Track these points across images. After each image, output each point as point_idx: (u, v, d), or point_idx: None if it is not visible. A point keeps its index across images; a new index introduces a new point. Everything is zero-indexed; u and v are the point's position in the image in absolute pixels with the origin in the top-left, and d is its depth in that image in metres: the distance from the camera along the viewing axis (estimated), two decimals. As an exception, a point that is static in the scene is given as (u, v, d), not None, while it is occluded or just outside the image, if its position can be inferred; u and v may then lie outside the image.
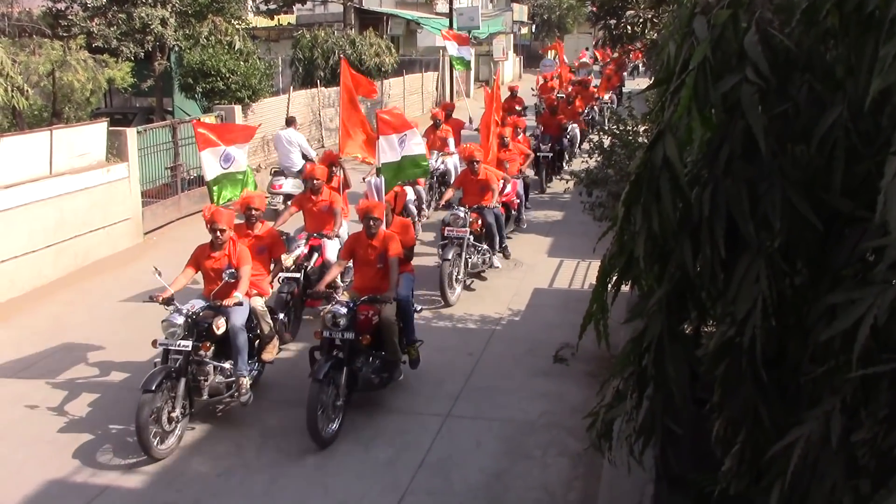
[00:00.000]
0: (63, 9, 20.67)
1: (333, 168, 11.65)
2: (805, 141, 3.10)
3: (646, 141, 3.42)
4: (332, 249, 10.19)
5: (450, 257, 11.12)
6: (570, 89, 24.11)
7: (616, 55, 27.37)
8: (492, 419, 8.13)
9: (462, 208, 11.87)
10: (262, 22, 29.54)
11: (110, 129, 13.99)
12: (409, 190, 13.50)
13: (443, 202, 12.81)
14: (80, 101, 17.36)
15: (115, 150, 13.94)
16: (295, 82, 23.43)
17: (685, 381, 3.43)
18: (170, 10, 20.28)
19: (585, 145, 16.86)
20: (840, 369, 2.92)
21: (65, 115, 16.92)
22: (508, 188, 13.52)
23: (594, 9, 18.17)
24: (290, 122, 16.54)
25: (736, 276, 3.11)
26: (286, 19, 31.24)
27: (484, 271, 12.27)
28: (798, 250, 3.18)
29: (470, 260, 11.79)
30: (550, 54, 35.16)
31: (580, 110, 22.31)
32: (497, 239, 12.39)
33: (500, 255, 12.74)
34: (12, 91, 13.45)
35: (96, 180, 13.27)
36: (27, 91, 14.28)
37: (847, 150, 2.98)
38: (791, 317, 3.27)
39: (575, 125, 20.99)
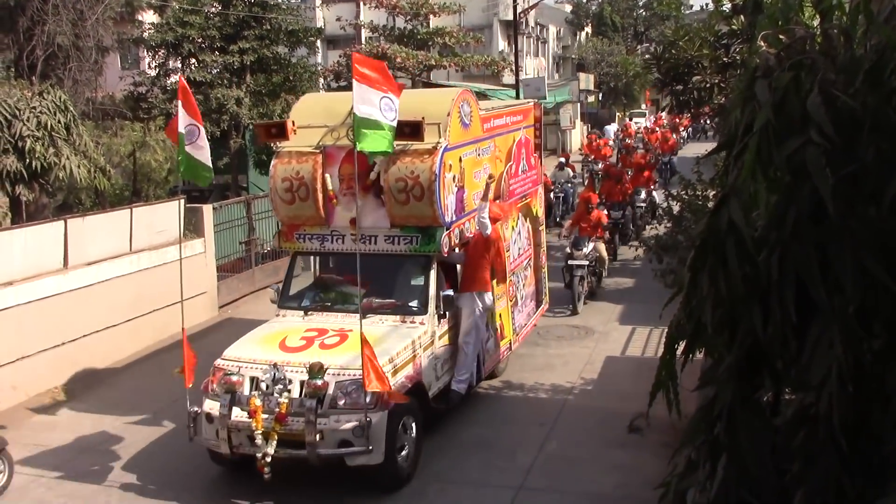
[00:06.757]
0: (144, 92, 21.68)
1: None
2: (875, 202, 3.02)
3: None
4: None
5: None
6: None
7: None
8: (565, 492, 7.97)
9: None
10: (334, 98, 30.29)
11: (187, 206, 14.40)
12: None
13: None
14: (159, 180, 18.03)
15: (192, 227, 14.32)
16: (365, 156, 23.82)
17: (762, 451, 3.31)
18: (244, 90, 21.04)
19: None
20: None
21: (144, 194, 17.57)
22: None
23: (660, 75, 18.15)
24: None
25: (809, 342, 3.02)
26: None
27: None
28: (874, 313, 3.07)
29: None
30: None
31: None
32: None
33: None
34: (95, 172, 14.00)
35: (174, 256, 13.62)
36: (109, 171, 14.85)
37: (920, 210, 2.90)
38: (871, 383, 3.14)
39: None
